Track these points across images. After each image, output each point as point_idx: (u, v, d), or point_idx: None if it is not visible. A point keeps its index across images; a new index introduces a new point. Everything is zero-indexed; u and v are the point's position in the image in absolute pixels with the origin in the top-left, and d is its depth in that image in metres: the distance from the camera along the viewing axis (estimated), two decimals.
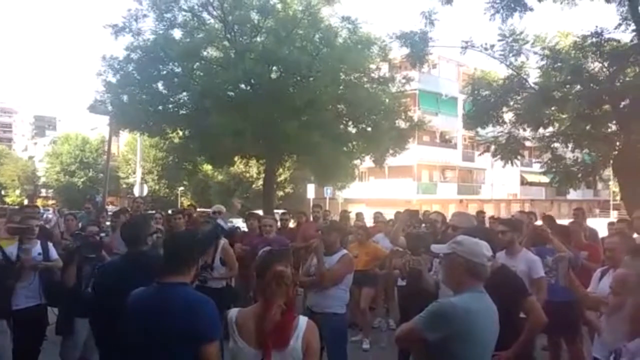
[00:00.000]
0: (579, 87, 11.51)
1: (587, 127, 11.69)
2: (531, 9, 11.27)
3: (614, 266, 3.59)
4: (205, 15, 15.12)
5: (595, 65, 11.69)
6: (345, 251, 4.85)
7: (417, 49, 12.04)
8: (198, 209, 12.22)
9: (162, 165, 40.30)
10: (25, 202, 42.30)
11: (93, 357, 4.25)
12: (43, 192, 59.85)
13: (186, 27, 15.01)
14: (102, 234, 5.72)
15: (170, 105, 15.55)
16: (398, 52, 14.99)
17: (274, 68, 14.33)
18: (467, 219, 4.84)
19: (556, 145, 12.98)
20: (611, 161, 11.77)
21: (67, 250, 4.89)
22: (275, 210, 15.45)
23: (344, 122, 15.96)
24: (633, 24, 10.66)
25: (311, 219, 9.56)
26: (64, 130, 62.31)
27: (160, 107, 15.11)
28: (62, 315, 4.77)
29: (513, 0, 11.02)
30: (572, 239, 5.55)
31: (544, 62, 12.14)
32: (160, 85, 15.27)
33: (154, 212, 9.73)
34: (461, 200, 39.82)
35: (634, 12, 10.46)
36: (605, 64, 11.33)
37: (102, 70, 14.90)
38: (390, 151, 16.57)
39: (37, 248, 4.87)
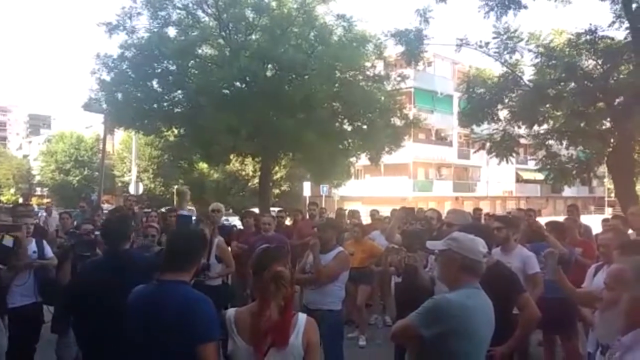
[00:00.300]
0: (573, 84, 11.57)
1: (582, 124, 11.75)
2: (525, 7, 11.35)
3: (608, 262, 3.61)
4: (199, 13, 15.11)
5: (589, 63, 11.75)
6: (341, 248, 4.87)
7: (412, 46, 12.06)
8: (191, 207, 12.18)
9: (157, 163, 40.16)
10: (20, 200, 42.13)
11: None
12: (38, 190, 59.59)
13: (181, 25, 14.98)
14: (97, 232, 5.70)
15: (165, 104, 15.53)
16: (393, 50, 15.00)
17: (269, 66, 14.32)
18: (462, 215, 4.86)
19: (551, 142, 13.03)
20: (605, 158, 11.84)
21: (62, 248, 4.88)
22: (272, 208, 15.45)
23: (340, 120, 15.97)
24: (627, 22, 10.73)
25: (307, 216, 9.57)
26: (59, 128, 61.95)
27: (155, 105, 15.08)
28: (57, 313, 4.76)
29: None
30: (567, 235, 5.58)
31: (538, 60, 12.19)
32: (155, 84, 15.25)
33: (149, 210, 9.70)
34: (457, 198, 39.91)
35: (627, 10, 10.52)
36: (599, 62, 11.39)
37: (96, 68, 14.90)
38: (386, 149, 16.61)
39: (32, 246, 4.85)
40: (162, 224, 7.41)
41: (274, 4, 14.92)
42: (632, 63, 10.89)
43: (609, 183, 32.28)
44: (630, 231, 5.45)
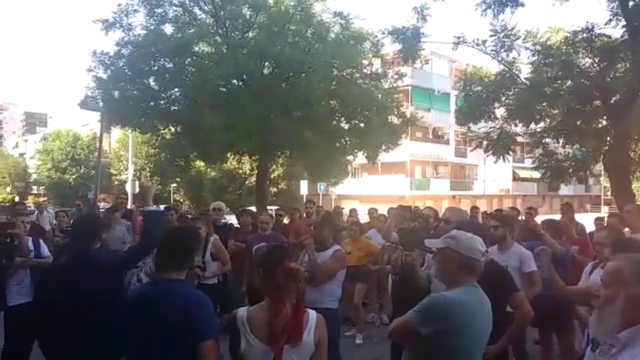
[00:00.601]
0: (569, 82, 11.59)
1: (578, 123, 11.78)
2: (522, 5, 11.35)
3: (604, 260, 3.62)
4: (196, 10, 15.05)
5: (586, 61, 11.77)
6: (338, 247, 4.85)
7: (410, 44, 12.04)
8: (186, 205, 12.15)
9: (154, 161, 40.05)
10: (17, 199, 42.02)
11: None
12: (34, 189, 59.45)
13: (177, 23, 14.92)
14: None
15: (162, 101, 15.48)
16: (390, 48, 15.00)
17: (266, 64, 14.31)
18: (459, 213, 4.86)
19: (547, 140, 13.04)
20: (602, 156, 11.86)
21: (58, 247, 4.86)
22: (269, 207, 15.45)
23: (337, 118, 15.96)
24: (623, 20, 10.73)
25: (304, 215, 9.55)
26: (55, 126, 61.91)
27: (151, 103, 15.04)
28: None
29: None
30: (563, 233, 5.59)
31: (535, 58, 12.19)
32: (151, 81, 15.20)
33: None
34: (454, 196, 39.93)
35: (624, 8, 10.52)
36: (596, 60, 11.40)
37: (92, 65, 14.83)
38: (383, 147, 16.59)
39: (28, 244, 4.83)
40: None
41: (271, 1, 14.89)
42: (629, 61, 10.90)
43: (605, 181, 32.31)
44: (626, 229, 5.46)
